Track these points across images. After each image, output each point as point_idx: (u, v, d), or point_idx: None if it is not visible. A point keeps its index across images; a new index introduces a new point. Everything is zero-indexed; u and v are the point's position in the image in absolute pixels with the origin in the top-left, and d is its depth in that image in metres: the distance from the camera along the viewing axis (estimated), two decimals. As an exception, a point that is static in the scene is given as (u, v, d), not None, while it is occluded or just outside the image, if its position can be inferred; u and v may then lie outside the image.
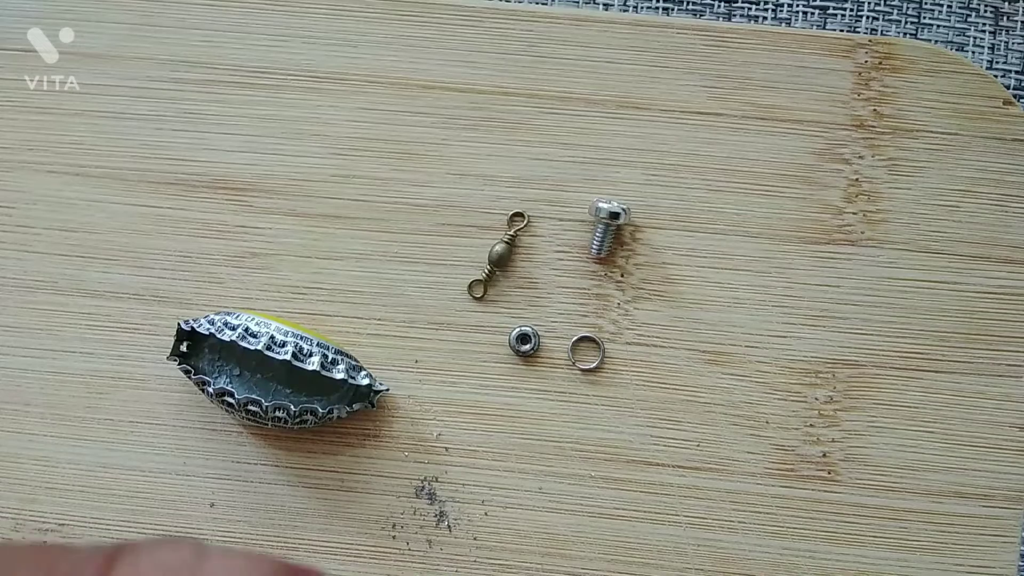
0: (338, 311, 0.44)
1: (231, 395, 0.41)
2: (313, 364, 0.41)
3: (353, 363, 0.42)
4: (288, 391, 0.42)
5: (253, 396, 0.41)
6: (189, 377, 0.42)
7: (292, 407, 0.41)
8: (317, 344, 0.42)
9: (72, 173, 0.45)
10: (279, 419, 0.42)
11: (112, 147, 0.45)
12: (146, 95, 0.45)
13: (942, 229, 0.44)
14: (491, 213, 0.44)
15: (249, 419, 0.42)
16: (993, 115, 0.44)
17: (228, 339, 0.41)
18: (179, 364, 0.42)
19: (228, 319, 0.42)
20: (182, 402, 0.44)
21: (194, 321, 0.42)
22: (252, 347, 0.41)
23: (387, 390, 0.43)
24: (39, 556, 0.26)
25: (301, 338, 0.41)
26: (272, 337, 0.41)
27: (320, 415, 0.42)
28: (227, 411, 0.42)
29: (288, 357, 0.41)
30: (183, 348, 0.43)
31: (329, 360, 0.41)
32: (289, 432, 0.44)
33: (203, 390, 0.42)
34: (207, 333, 0.41)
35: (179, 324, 0.42)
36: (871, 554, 0.44)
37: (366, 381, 0.42)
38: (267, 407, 0.41)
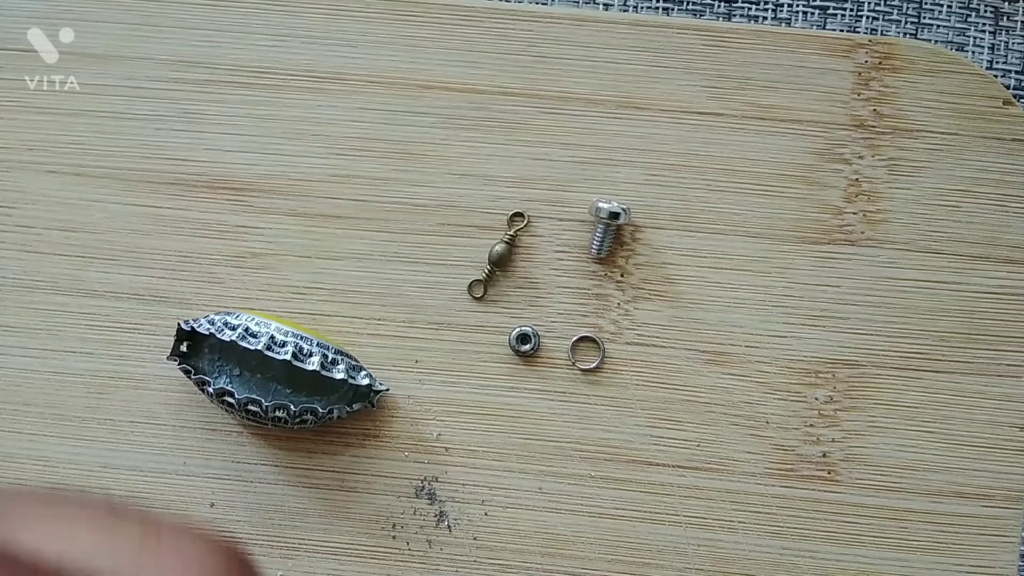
0: (338, 311, 0.44)
1: (231, 395, 0.41)
2: (313, 364, 0.41)
3: (353, 363, 0.42)
4: (288, 391, 0.42)
5: (253, 396, 0.41)
6: (189, 377, 0.42)
7: (292, 407, 0.41)
8: (317, 344, 0.42)
9: (72, 173, 0.45)
10: (279, 419, 0.42)
11: (112, 147, 0.45)
12: (146, 95, 0.45)
13: (942, 229, 0.44)
14: (491, 213, 0.44)
15: (249, 419, 0.42)
16: (993, 115, 0.44)
17: (228, 339, 0.41)
18: (179, 364, 0.42)
19: (228, 319, 0.42)
20: (182, 402, 0.44)
21: (194, 321, 0.42)
22: (252, 347, 0.41)
23: (387, 390, 0.43)
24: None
25: (301, 338, 0.41)
26: (272, 337, 0.41)
27: (320, 415, 0.42)
28: (227, 411, 0.42)
29: (288, 357, 0.41)
30: (183, 348, 0.43)
31: (329, 360, 0.41)
32: (289, 432, 0.44)
33: (203, 390, 0.42)
34: (207, 333, 0.41)
35: (179, 324, 0.42)
36: (871, 554, 0.44)
37: (366, 381, 0.42)
38: (267, 407, 0.41)
